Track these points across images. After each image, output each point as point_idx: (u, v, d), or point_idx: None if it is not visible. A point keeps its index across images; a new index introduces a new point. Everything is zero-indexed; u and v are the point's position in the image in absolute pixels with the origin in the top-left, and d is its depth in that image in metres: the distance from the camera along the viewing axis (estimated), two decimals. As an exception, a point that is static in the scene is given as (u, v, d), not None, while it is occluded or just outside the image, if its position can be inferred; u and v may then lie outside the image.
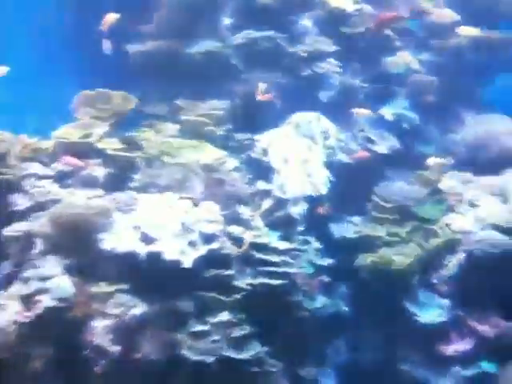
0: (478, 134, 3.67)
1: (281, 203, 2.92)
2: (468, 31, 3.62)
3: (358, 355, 3.00)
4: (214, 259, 2.45)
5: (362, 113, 3.37)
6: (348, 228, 3.22)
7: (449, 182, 3.31)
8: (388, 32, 3.85)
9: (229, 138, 3.38)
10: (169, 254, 2.37)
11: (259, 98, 3.29)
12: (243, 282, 2.45)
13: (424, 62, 3.95)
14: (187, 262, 2.36)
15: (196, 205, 2.66)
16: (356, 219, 3.27)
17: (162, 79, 3.71)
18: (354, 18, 3.68)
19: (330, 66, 3.52)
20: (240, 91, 3.53)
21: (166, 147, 3.11)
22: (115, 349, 2.28)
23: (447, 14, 4.07)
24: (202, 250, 2.42)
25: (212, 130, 3.33)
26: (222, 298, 2.40)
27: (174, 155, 3.06)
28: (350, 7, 3.63)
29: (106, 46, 3.05)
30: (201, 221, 2.54)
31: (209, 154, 3.12)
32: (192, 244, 2.45)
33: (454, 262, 2.89)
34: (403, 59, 3.80)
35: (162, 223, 2.51)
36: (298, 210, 2.94)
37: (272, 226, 2.80)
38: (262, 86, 3.30)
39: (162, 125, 3.40)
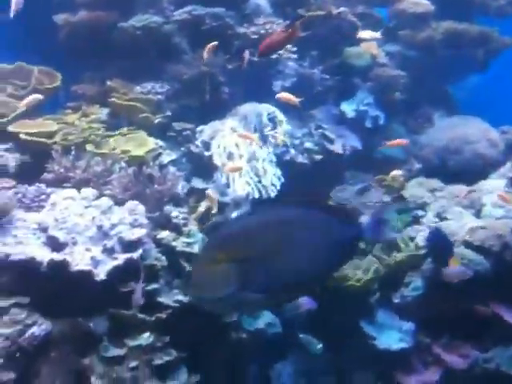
0: (449, 137, 3.55)
1: (221, 206, 2.69)
2: (368, 34, 3.34)
3: (308, 382, 2.79)
4: (135, 270, 2.19)
5: (287, 98, 3.04)
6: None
7: (414, 190, 3.16)
8: (352, 18, 3.70)
9: (166, 127, 3.14)
10: (78, 264, 2.09)
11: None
12: (170, 299, 2.20)
13: (391, 54, 3.83)
14: (100, 274, 2.09)
15: (118, 204, 2.39)
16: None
17: (94, 55, 3.45)
18: (314, 0, 3.50)
19: (284, 52, 3.32)
20: (183, 74, 3.30)
21: (91, 134, 2.84)
22: (8, 377, 1.99)
23: (420, 3, 3.96)
24: (121, 259, 2.15)
25: (147, 118, 3.08)
26: (143, 316, 2.14)
27: (98, 144, 2.81)
28: (309, -13, 3.44)
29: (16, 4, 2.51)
30: (122, 224, 2.28)
31: (140, 144, 2.87)
32: (108, 252, 2.18)
33: (418, 281, 2.73)
34: (368, 50, 3.65)
35: (74, 225, 2.23)
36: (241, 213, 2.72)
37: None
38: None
39: (89, 108, 3.15)
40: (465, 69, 4.14)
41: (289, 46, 3.37)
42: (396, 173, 3.11)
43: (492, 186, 3.10)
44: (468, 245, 2.74)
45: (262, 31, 3.35)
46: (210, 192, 2.73)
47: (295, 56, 3.39)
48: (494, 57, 4.10)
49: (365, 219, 1.65)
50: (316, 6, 3.52)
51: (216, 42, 2.93)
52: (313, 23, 3.47)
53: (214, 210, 2.69)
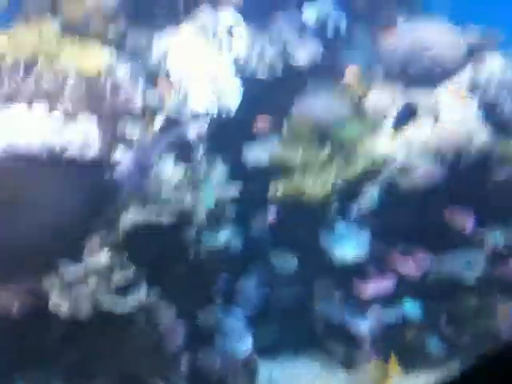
0: (410, 43, 3.38)
1: (178, 120, 2.55)
2: None
3: (269, 292, 2.80)
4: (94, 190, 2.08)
5: None
6: (260, 150, 2.91)
7: (375, 98, 3.04)
8: None
9: (121, 38, 2.92)
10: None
11: None
12: (127, 220, 2.11)
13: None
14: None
15: (70, 119, 2.25)
16: (271, 140, 2.96)
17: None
18: None
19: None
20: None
21: (41, 48, 2.63)
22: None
23: None
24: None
25: (101, 29, 2.86)
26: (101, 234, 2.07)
27: (50, 57, 2.60)
28: None
29: None
30: (74, 140, 2.14)
31: (93, 57, 2.67)
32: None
33: (374, 192, 2.68)
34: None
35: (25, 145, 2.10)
36: (199, 129, 2.59)
37: (167, 148, 2.44)
38: None
39: (39, 21, 2.90)
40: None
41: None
42: (352, 71, 2.98)
43: (450, 91, 3.01)
44: (424, 152, 2.69)
45: None
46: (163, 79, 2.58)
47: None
48: None
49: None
50: None
51: None
52: None
53: (168, 98, 2.58)
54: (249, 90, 2.87)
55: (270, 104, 2.95)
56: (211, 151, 2.64)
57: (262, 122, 2.85)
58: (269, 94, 2.97)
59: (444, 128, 2.81)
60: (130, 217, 2.08)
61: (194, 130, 2.55)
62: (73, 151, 2.08)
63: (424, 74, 3.26)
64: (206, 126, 2.61)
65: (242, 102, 2.82)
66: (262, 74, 3.02)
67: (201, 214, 2.27)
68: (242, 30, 2.98)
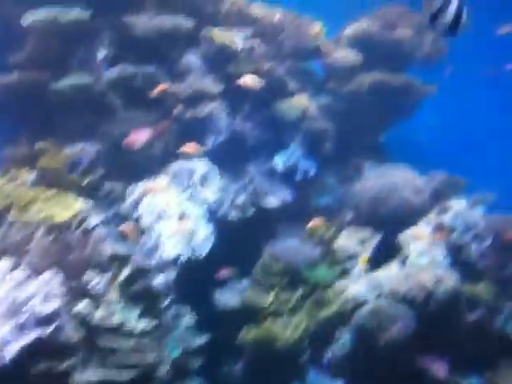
0: (378, 186, 3.47)
1: (145, 269, 2.51)
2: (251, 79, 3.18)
3: None
4: (48, 348, 1.99)
5: (189, 151, 2.98)
6: (232, 295, 2.86)
7: (344, 241, 3.06)
8: (282, 74, 3.64)
9: (96, 188, 2.98)
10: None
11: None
12: (83, 379, 2.00)
13: (321, 106, 3.77)
14: (8, 355, 1.89)
15: (35, 273, 2.21)
16: (242, 284, 2.93)
17: (26, 117, 3.29)
18: (244, 56, 3.41)
19: (216, 108, 3.21)
20: (114, 133, 3.16)
21: (15, 199, 2.66)
22: None
23: (349, 56, 3.92)
24: (32, 336, 1.96)
25: (77, 179, 2.93)
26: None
27: (21, 210, 2.62)
28: (238, 44, 3.35)
29: None
30: (37, 297, 2.09)
31: (65, 208, 2.69)
32: (20, 329, 1.99)
33: (347, 337, 2.60)
34: (299, 103, 3.58)
35: None
36: (168, 277, 2.55)
37: (133, 299, 2.38)
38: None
39: (18, 171, 2.97)
40: (392, 116, 4.10)
41: (219, 103, 3.27)
42: (315, 223, 3.02)
43: (418, 234, 3.04)
44: (393, 296, 2.63)
45: (195, 89, 3.23)
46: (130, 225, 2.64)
47: (226, 113, 3.28)
48: (418, 104, 4.08)
49: None
50: (246, 61, 3.43)
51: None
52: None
53: (138, 245, 2.59)
54: (220, 234, 2.88)
55: (241, 247, 2.95)
56: (179, 298, 2.58)
57: (223, 273, 2.88)
58: (240, 238, 2.98)
59: (412, 271, 2.80)
60: (87, 375, 1.98)
61: (162, 278, 2.51)
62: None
63: (391, 217, 3.30)
64: (175, 272, 2.58)
65: (212, 246, 2.82)
66: (233, 218, 3.06)
67: (165, 367, 2.16)
68: (214, 178, 3.05)
